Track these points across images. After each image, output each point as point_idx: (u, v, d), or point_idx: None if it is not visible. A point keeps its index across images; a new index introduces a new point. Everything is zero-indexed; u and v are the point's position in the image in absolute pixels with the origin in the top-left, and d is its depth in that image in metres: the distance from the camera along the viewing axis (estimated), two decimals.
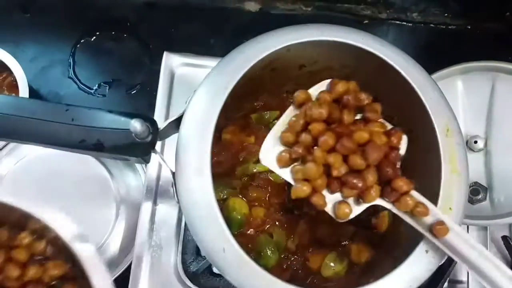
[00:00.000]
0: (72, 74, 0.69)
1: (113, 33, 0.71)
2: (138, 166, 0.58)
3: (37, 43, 0.70)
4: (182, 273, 0.51)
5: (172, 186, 0.34)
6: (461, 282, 0.56)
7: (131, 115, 0.32)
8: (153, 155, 0.37)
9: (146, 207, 0.52)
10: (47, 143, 0.32)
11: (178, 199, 0.34)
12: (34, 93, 0.65)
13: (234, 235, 0.44)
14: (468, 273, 0.54)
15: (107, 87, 0.69)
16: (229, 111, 0.48)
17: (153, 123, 0.33)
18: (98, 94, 0.68)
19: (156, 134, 0.33)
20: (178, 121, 0.35)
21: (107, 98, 0.68)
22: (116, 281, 0.55)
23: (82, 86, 0.68)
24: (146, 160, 0.34)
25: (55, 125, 0.32)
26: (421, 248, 0.35)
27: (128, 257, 0.55)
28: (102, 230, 0.54)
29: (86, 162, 0.56)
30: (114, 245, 0.56)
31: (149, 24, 0.72)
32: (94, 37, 0.71)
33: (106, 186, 0.56)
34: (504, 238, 0.55)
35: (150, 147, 0.33)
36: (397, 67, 0.36)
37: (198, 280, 0.51)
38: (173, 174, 0.34)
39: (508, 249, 0.54)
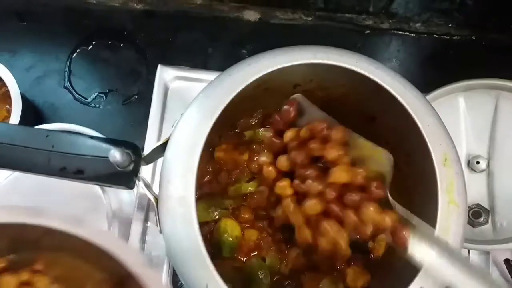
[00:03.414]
0: (68, 84, 0.68)
1: (109, 42, 0.70)
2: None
3: (33, 52, 0.69)
4: None
5: (156, 215, 0.33)
6: None
7: (113, 142, 0.31)
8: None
9: (137, 225, 0.51)
10: (26, 171, 0.31)
11: (160, 228, 0.32)
12: (28, 104, 0.64)
13: (226, 259, 0.44)
14: None
15: (103, 98, 0.68)
16: (222, 128, 0.47)
17: (136, 150, 0.32)
18: (94, 105, 0.67)
19: (138, 162, 0.32)
20: (164, 146, 0.33)
21: (103, 109, 0.67)
22: None
23: (78, 96, 0.67)
24: (130, 187, 0.33)
25: (35, 151, 0.30)
26: (416, 284, 0.34)
27: None
28: None
29: None
30: None
31: (146, 33, 0.71)
32: (91, 46, 0.70)
33: (98, 201, 0.55)
34: (506, 261, 0.53)
35: (133, 175, 0.32)
36: (393, 92, 0.35)
37: None
38: (157, 201, 0.32)
39: (511, 272, 0.53)
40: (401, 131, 0.39)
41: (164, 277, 0.50)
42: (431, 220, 0.34)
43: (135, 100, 0.68)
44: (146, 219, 0.51)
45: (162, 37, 0.71)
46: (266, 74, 0.35)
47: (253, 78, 0.33)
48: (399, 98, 0.34)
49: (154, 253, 0.50)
